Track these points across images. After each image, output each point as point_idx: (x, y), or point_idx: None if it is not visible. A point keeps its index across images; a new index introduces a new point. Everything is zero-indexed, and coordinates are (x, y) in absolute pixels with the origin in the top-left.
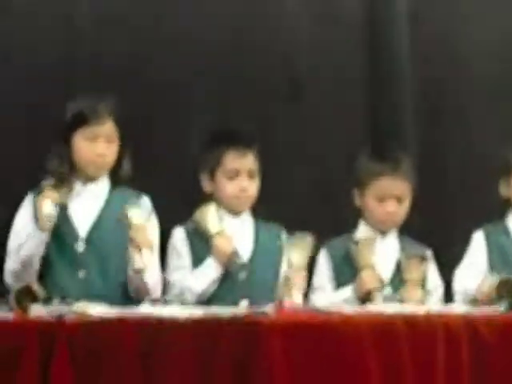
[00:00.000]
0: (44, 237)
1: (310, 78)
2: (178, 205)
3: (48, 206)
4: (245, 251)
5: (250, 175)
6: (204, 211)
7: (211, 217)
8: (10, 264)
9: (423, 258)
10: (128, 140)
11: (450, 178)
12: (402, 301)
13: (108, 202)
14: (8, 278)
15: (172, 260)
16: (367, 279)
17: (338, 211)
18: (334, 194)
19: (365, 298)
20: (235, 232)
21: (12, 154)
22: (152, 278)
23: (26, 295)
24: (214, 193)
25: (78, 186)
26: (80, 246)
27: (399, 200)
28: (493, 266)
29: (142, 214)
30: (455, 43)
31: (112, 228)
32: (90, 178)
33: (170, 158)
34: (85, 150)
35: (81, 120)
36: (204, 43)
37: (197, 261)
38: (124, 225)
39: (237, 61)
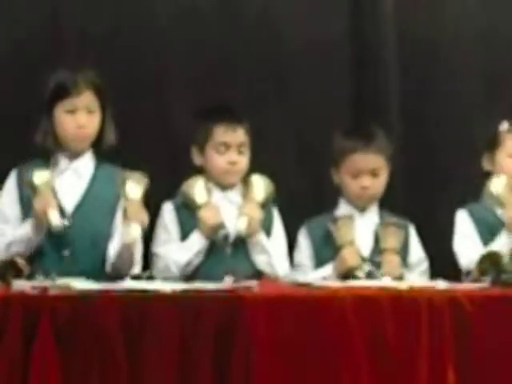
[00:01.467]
0: (38, 239)
1: (295, 56)
2: (164, 179)
3: (55, 217)
4: (231, 226)
5: (240, 149)
6: (191, 184)
7: (198, 189)
8: None
9: (399, 226)
10: (112, 111)
11: (436, 155)
12: (382, 274)
13: (93, 180)
14: None
15: (160, 234)
16: (347, 257)
17: (321, 188)
18: (317, 171)
19: (345, 275)
20: (225, 205)
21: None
22: (138, 253)
23: (10, 269)
24: (203, 166)
25: (63, 163)
26: (66, 223)
27: (374, 174)
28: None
29: (139, 189)
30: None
31: (98, 205)
32: (73, 152)
33: (156, 132)
34: (66, 122)
35: (60, 93)
36: (190, 19)
37: (185, 234)
38: (110, 202)
39: (223, 36)
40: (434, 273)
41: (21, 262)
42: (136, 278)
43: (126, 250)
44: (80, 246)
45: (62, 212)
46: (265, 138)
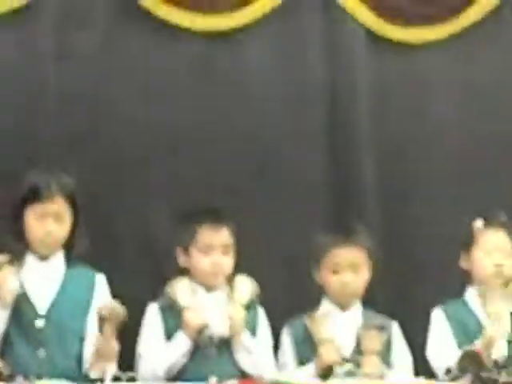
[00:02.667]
0: (5, 314)
1: (273, 154)
2: (147, 282)
3: (12, 281)
4: (217, 327)
5: (225, 250)
6: (175, 285)
7: (182, 290)
8: None
9: (381, 328)
10: (86, 217)
11: (414, 251)
12: (362, 374)
13: (65, 279)
14: None
15: (145, 335)
16: (326, 354)
17: (303, 288)
18: (299, 272)
19: (325, 373)
20: (209, 306)
21: None
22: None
23: None
24: (188, 267)
25: (33, 262)
26: (39, 324)
27: (354, 269)
28: (456, 341)
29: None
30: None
31: (71, 305)
32: (42, 255)
33: (132, 236)
34: (34, 227)
35: (32, 196)
36: (164, 120)
37: (170, 335)
38: (83, 302)
39: (197, 139)
40: (416, 368)
41: (1, 363)
42: (116, 379)
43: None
44: (55, 346)
45: (35, 313)
46: (248, 241)
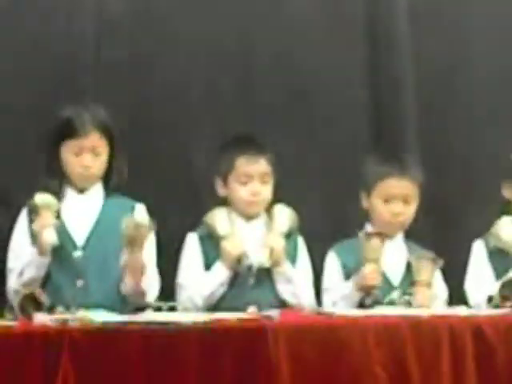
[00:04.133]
0: (45, 260)
1: (313, 80)
2: (186, 211)
3: (50, 235)
4: (257, 255)
5: (263, 179)
6: (213, 215)
7: (220, 220)
8: (12, 284)
9: (434, 260)
10: (126, 148)
11: (454, 182)
12: (411, 303)
13: (103, 211)
14: (11, 296)
15: (184, 264)
16: (368, 275)
17: (344, 215)
18: (340, 198)
19: (364, 292)
20: (247, 236)
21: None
22: (149, 281)
23: (31, 303)
24: (227, 197)
25: (71, 196)
26: (77, 255)
27: (405, 201)
28: (496, 273)
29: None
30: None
31: (108, 236)
32: (81, 189)
33: (175, 165)
34: (71, 163)
35: (67, 132)
36: (206, 52)
37: (209, 265)
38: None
39: (239, 69)
40: (452, 303)
41: (41, 294)
42: (157, 309)
43: (129, 293)
44: (93, 276)
45: (73, 244)
46: (286, 169)
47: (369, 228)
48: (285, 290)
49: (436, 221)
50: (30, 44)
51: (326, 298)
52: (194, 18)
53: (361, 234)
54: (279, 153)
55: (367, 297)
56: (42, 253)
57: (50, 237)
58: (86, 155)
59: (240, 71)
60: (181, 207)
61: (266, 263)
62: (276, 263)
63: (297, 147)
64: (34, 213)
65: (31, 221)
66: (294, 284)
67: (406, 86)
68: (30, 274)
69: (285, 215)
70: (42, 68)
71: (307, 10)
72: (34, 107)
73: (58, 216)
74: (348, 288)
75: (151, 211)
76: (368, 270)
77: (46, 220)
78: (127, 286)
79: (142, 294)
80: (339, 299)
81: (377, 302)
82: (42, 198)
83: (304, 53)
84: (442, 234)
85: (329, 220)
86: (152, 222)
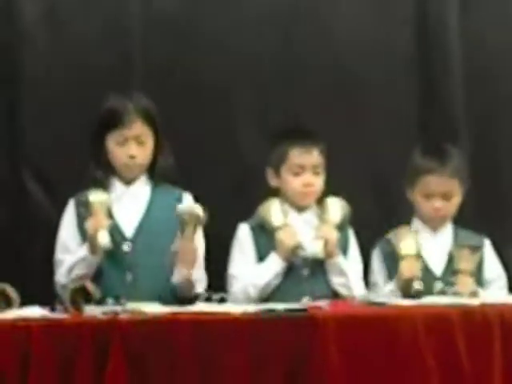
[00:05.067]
0: (97, 260)
1: (360, 75)
2: (234, 201)
3: (104, 238)
4: (311, 246)
5: (315, 171)
6: (267, 206)
7: (274, 211)
8: (61, 278)
9: (475, 249)
10: (174, 137)
11: (504, 174)
12: (454, 293)
13: (151, 202)
14: (59, 289)
15: (236, 255)
16: (405, 268)
17: (393, 207)
18: (388, 191)
19: (406, 287)
20: (301, 227)
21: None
22: (199, 272)
23: (81, 295)
24: (279, 188)
25: (119, 187)
26: (127, 248)
27: (446, 197)
28: None
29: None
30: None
31: (157, 228)
32: (127, 180)
33: (224, 156)
34: (117, 153)
35: (111, 122)
36: (251, 43)
37: (261, 256)
38: (169, 224)
39: (284, 60)
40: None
41: (91, 287)
42: (207, 299)
43: (180, 284)
44: (142, 269)
45: (122, 237)
46: (336, 161)
47: (415, 221)
48: (337, 282)
49: (487, 210)
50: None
51: (371, 293)
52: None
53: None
54: (327, 140)
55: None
56: (94, 253)
57: (104, 239)
58: (131, 145)
59: (284, 65)
60: (230, 198)
61: (320, 254)
62: (330, 255)
63: (345, 135)
64: (86, 209)
65: (81, 216)
66: (347, 276)
67: (456, 74)
68: (80, 271)
69: (337, 207)
70: (89, 61)
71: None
72: (83, 98)
73: (111, 214)
74: (389, 288)
75: (199, 202)
76: (403, 264)
77: (101, 221)
78: (177, 274)
79: (191, 284)
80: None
81: (424, 292)
82: (96, 197)
83: (352, 40)
84: (496, 220)
85: (379, 210)
86: (204, 211)
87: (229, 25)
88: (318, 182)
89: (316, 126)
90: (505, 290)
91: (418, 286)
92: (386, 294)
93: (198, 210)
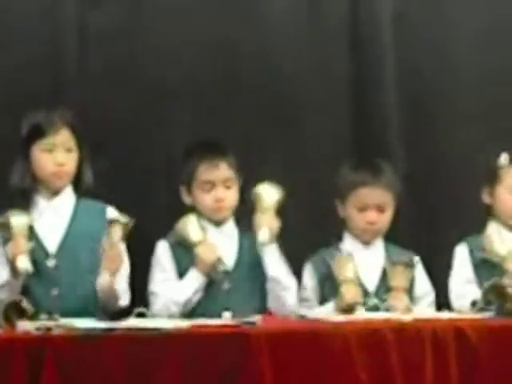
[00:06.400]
0: (19, 283)
1: (293, 86)
2: (161, 217)
3: (24, 262)
4: (228, 261)
5: (226, 185)
6: (184, 222)
7: (192, 227)
8: None
9: (408, 265)
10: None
11: (437, 185)
12: (388, 310)
13: (74, 216)
14: None
15: (156, 273)
16: (347, 294)
17: (325, 222)
18: (320, 205)
19: (346, 312)
20: (219, 241)
21: None
22: (123, 285)
23: (14, 311)
24: (193, 205)
25: (42, 203)
26: (51, 264)
27: (380, 209)
28: (480, 277)
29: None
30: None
31: (80, 242)
32: (52, 191)
33: (157, 171)
34: (43, 161)
35: (37, 132)
36: (186, 54)
37: (181, 272)
38: (93, 237)
39: (218, 71)
40: (441, 305)
41: (24, 302)
42: (140, 315)
43: (103, 291)
44: (67, 284)
45: (45, 253)
46: (270, 176)
47: (347, 236)
48: (276, 268)
49: (419, 223)
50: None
51: (301, 310)
52: (177, 19)
53: (331, 260)
54: (262, 153)
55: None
56: (15, 277)
57: (23, 264)
58: (59, 152)
59: (222, 73)
60: (153, 212)
61: (268, 241)
62: (270, 240)
63: (277, 150)
64: (7, 231)
65: (4, 237)
66: (285, 263)
67: (389, 87)
68: (4, 294)
69: (270, 192)
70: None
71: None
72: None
73: (32, 234)
74: (328, 309)
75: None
76: (345, 289)
77: (20, 246)
78: (100, 279)
79: (114, 292)
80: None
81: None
82: (16, 219)
83: (285, 54)
84: (425, 237)
85: (309, 223)
86: (129, 220)
87: (166, 41)
88: (231, 196)
89: (246, 142)
90: (433, 307)
91: (362, 310)
92: (324, 313)
93: (126, 218)
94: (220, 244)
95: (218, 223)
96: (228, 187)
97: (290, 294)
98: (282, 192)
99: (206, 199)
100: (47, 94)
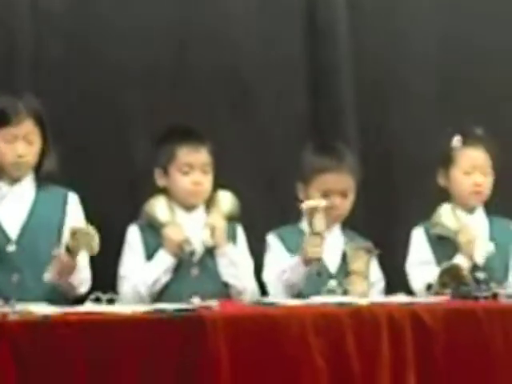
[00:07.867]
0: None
1: (249, 71)
2: (125, 204)
3: None
4: (197, 246)
5: (204, 169)
6: (152, 203)
7: (160, 208)
8: None
9: (369, 250)
10: (62, 137)
11: (393, 167)
12: (346, 292)
13: (35, 202)
14: None
15: (126, 256)
16: (309, 247)
17: (283, 202)
18: (279, 185)
19: (308, 264)
20: (187, 226)
21: None
22: (82, 274)
23: None
24: (167, 188)
25: (3, 187)
26: (11, 249)
27: (343, 195)
28: (437, 256)
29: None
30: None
31: (42, 228)
32: (13, 179)
33: (113, 158)
34: (5, 151)
35: (0, 121)
36: (143, 46)
37: (151, 255)
38: (54, 224)
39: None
40: (392, 290)
41: None
42: (96, 300)
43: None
44: (28, 270)
45: (6, 238)
46: (228, 160)
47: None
48: (228, 272)
49: (375, 208)
50: None
51: (267, 273)
52: (129, 7)
53: (304, 206)
54: (218, 140)
55: (312, 268)
56: None
57: None
58: (20, 143)
59: (175, 61)
60: (116, 199)
61: (209, 242)
62: (218, 243)
63: (235, 135)
64: None
65: None
66: (237, 266)
67: (344, 72)
68: None
69: (227, 199)
70: None
71: None
72: None
73: None
74: (293, 260)
75: (89, 204)
76: (312, 241)
77: None
78: (49, 276)
79: (70, 286)
80: (287, 268)
81: (315, 292)
82: None
83: (241, 39)
84: (381, 222)
85: (269, 208)
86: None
87: (119, 26)
88: (207, 181)
89: (205, 125)
90: (382, 294)
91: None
92: (289, 266)
93: (92, 232)
94: (189, 229)
95: (188, 208)
96: (205, 172)
97: (245, 295)
98: (237, 202)
99: (183, 181)
100: (0, 81)
